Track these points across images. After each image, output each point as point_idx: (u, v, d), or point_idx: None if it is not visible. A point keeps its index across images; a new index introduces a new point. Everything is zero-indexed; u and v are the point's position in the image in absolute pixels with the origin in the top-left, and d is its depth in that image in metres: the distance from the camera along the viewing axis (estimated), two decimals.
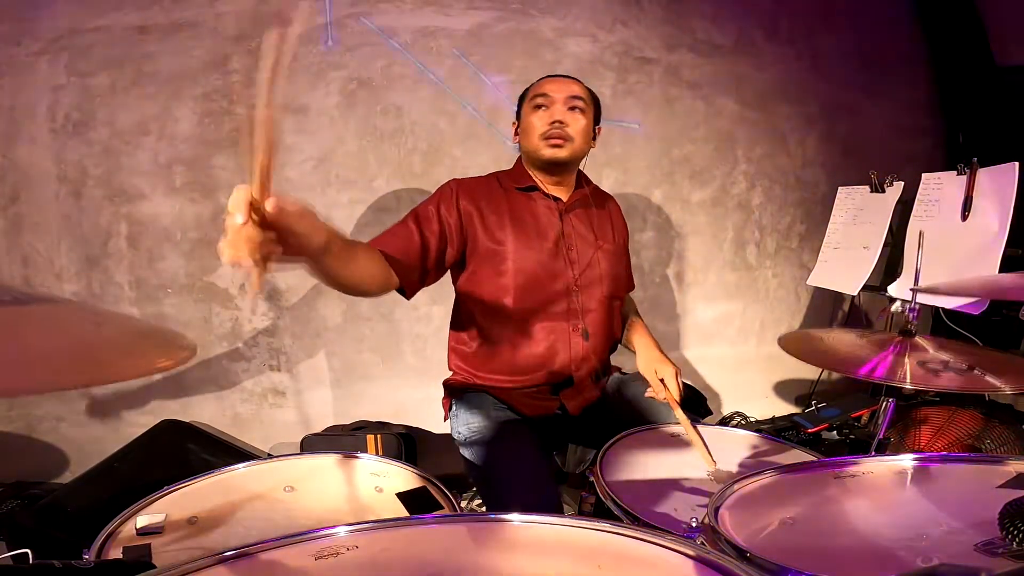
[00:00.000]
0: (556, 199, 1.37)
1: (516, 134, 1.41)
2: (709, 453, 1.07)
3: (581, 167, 1.43)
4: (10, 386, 0.41)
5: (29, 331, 0.50)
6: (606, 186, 1.78)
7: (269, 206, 0.68)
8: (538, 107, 1.31)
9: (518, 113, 1.40)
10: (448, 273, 1.37)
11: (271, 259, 0.71)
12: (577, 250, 1.35)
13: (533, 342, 1.32)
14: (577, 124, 1.31)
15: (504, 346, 1.32)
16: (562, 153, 1.30)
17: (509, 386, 1.33)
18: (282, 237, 0.72)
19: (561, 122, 1.28)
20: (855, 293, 1.90)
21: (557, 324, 1.32)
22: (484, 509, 1.37)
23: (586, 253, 1.36)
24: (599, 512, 0.95)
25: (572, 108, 1.30)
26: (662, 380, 1.28)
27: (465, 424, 1.30)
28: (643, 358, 1.36)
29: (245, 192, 0.66)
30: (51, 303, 0.61)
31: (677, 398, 1.23)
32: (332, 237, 0.86)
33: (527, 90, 1.38)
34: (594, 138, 1.39)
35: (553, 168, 1.34)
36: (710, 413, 2.18)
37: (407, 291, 1.22)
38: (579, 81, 1.35)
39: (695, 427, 1.14)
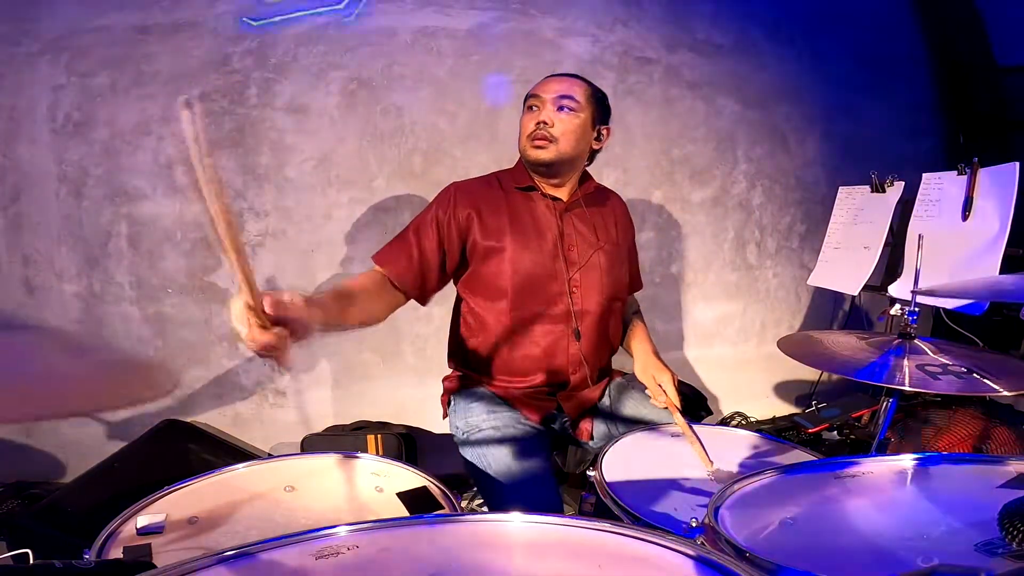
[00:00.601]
0: (555, 199, 1.36)
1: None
2: (707, 455, 1.07)
3: (586, 166, 1.43)
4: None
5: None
6: (606, 185, 1.78)
7: (266, 306, 0.78)
8: (530, 108, 1.31)
9: None
10: None
11: (287, 345, 0.81)
12: (577, 250, 1.34)
13: (531, 343, 1.32)
14: (564, 124, 1.28)
15: (502, 346, 1.32)
16: (544, 154, 1.28)
17: (507, 386, 1.33)
18: (285, 325, 0.81)
19: (545, 123, 1.27)
20: (856, 293, 1.89)
21: (555, 325, 1.32)
22: (485, 508, 1.37)
23: (586, 253, 1.35)
24: (599, 512, 0.95)
25: (560, 108, 1.28)
26: (660, 386, 1.28)
27: (464, 421, 1.30)
28: (640, 365, 1.37)
29: (240, 303, 0.76)
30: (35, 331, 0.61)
31: (676, 404, 1.24)
32: (327, 306, 0.99)
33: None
34: (597, 138, 1.37)
35: (540, 169, 1.34)
36: (710, 413, 2.18)
37: (421, 301, 1.30)
38: (580, 80, 1.33)
39: (693, 430, 1.15)
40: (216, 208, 0.63)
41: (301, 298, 0.86)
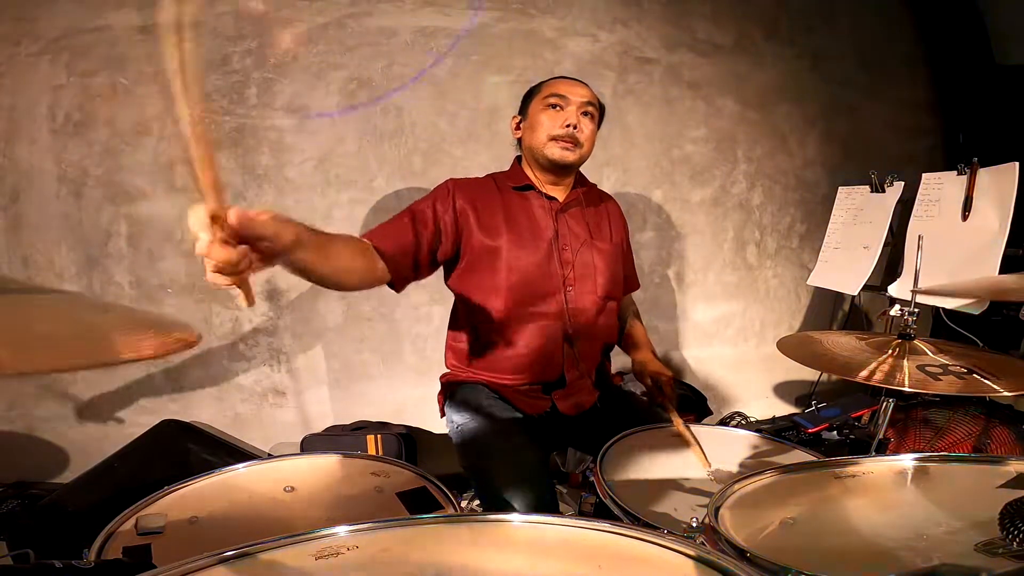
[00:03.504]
0: (552, 199, 1.37)
1: (517, 128, 1.40)
2: (705, 456, 1.07)
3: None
4: (20, 365, 0.42)
5: (36, 316, 0.50)
6: (606, 186, 1.78)
7: (231, 217, 0.68)
8: (551, 106, 1.31)
9: (522, 109, 1.39)
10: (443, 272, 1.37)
11: (251, 270, 0.74)
12: (572, 250, 1.35)
13: (524, 341, 1.31)
14: (588, 130, 1.32)
15: (496, 344, 1.32)
16: (571, 156, 1.31)
17: (501, 383, 1.34)
18: (252, 244, 0.73)
19: (575, 126, 1.29)
20: (855, 293, 1.90)
21: (549, 324, 1.32)
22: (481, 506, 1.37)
23: (581, 253, 1.36)
24: (599, 512, 0.95)
25: (585, 113, 1.32)
26: (658, 386, 1.29)
27: (459, 417, 1.30)
28: (639, 364, 1.38)
29: (202, 210, 0.66)
30: (59, 293, 0.61)
31: (674, 404, 1.25)
32: (301, 232, 0.87)
33: (537, 87, 1.37)
34: None
35: (557, 169, 1.35)
36: (710, 413, 2.18)
37: (396, 284, 1.24)
38: (589, 87, 1.36)
39: (690, 431, 1.15)
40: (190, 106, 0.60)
41: (270, 214, 0.77)
